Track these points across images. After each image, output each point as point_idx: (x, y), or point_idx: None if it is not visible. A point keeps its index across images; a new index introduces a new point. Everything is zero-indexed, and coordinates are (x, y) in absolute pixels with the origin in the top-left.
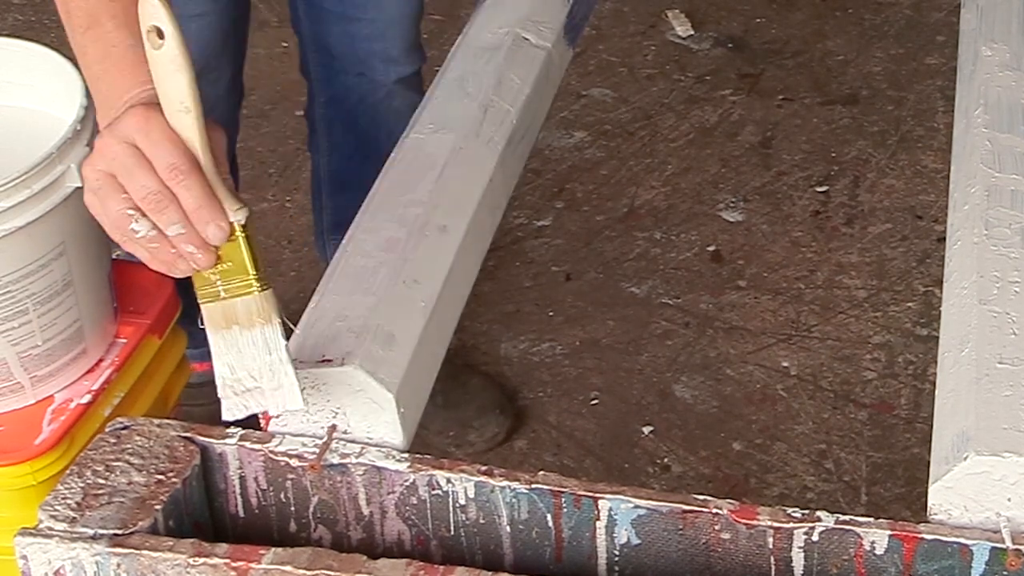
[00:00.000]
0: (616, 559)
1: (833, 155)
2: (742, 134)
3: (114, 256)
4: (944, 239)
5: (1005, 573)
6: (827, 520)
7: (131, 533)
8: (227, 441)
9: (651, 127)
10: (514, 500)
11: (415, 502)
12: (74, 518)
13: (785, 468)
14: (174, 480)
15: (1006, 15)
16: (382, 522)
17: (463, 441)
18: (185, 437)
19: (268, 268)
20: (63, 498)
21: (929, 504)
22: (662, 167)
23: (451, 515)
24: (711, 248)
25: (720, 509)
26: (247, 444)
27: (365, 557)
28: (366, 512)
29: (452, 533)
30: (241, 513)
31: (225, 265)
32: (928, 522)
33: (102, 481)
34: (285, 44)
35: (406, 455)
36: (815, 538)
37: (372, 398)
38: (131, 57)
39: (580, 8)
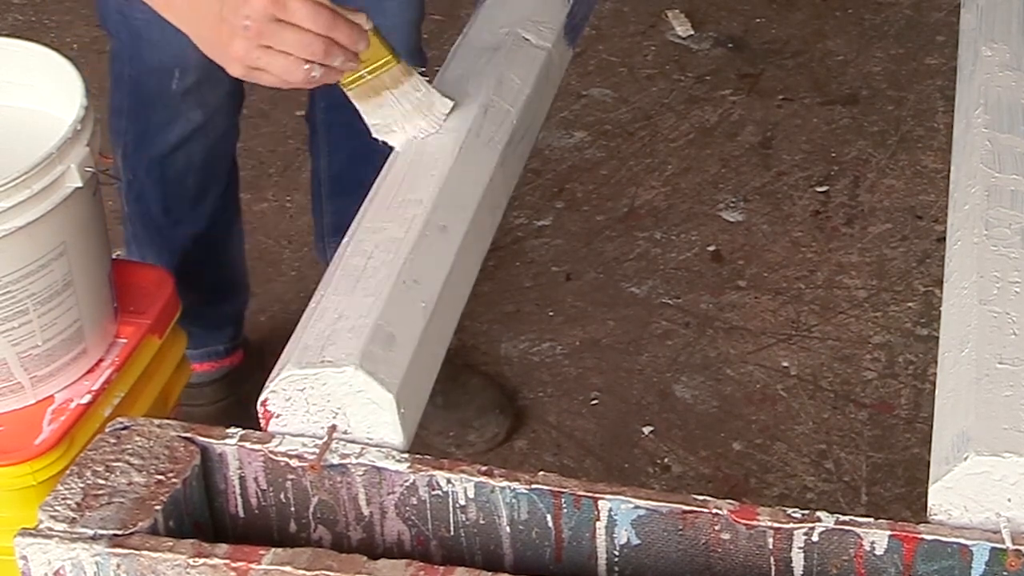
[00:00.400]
0: (616, 559)
1: (833, 155)
2: (742, 134)
3: (114, 256)
4: (944, 239)
5: (1005, 573)
6: (827, 520)
7: (131, 533)
8: (227, 441)
9: (651, 127)
10: (514, 500)
11: (415, 502)
12: (74, 518)
13: (785, 468)
14: (174, 480)
15: (1006, 15)
16: (382, 522)
17: (463, 441)
18: (185, 437)
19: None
20: (63, 498)
21: (929, 504)
22: (662, 167)
23: (451, 515)
24: (711, 248)
25: (720, 509)
26: (247, 444)
27: (365, 557)
28: (366, 512)
29: (452, 533)
30: (241, 513)
31: (365, 56)
32: (928, 522)
33: (102, 481)
34: None
35: (406, 455)
36: (815, 538)
37: (372, 398)
38: None
39: (580, 8)
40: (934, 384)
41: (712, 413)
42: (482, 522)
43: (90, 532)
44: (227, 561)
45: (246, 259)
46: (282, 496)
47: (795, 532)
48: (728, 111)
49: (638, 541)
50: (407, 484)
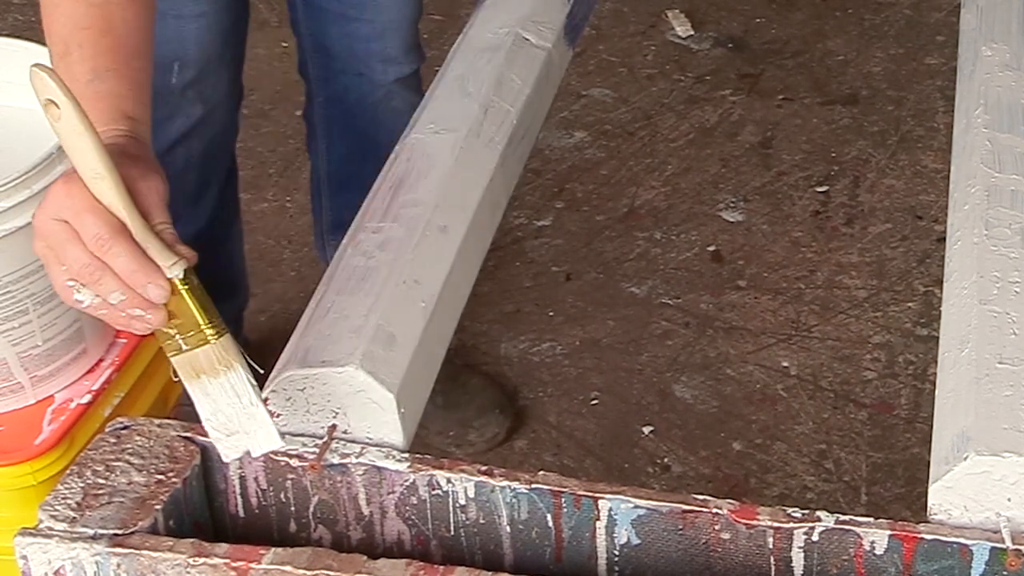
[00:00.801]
0: (616, 559)
1: (833, 155)
2: (742, 134)
3: None
4: (944, 239)
5: (1005, 573)
6: (827, 520)
7: (131, 533)
8: None
9: (651, 127)
10: (514, 500)
11: (415, 502)
12: (74, 518)
13: (785, 468)
14: (174, 480)
15: (1006, 15)
16: (382, 522)
17: (463, 441)
18: (185, 437)
19: (267, 268)
20: (63, 498)
21: (929, 504)
22: (662, 167)
23: (451, 515)
24: (711, 248)
25: (720, 509)
26: None
27: (365, 557)
28: (366, 512)
29: (452, 533)
30: (241, 513)
31: (177, 320)
32: (928, 522)
33: (102, 481)
34: (285, 44)
35: (406, 455)
36: (815, 538)
37: (372, 398)
38: (86, 94)
39: (580, 8)
40: (934, 384)
41: (712, 413)
42: (482, 522)
43: (90, 532)
44: (227, 561)
45: (246, 259)
46: (282, 496)
47: (795, 532)
48: (728, 111)
49: (638, 541)
50: (407, 484)
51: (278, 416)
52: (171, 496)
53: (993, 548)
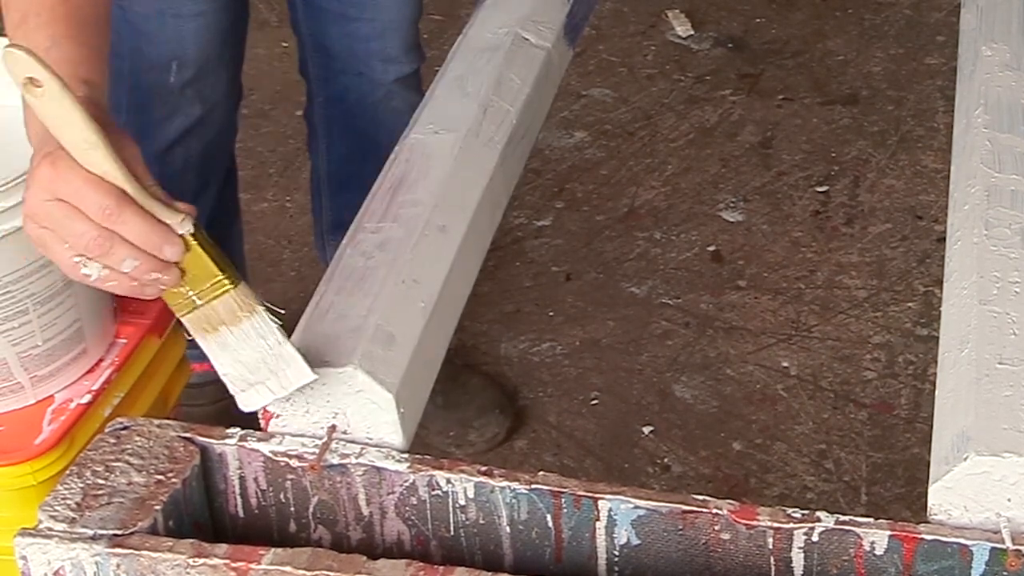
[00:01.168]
0: (616, 559)
1: (833, 155)
2: (742, 134)
3: None
4: (944, 239)
5: (1005, 573)
6: (827, 520)
7: (131, 533)
8: (227, 441)
9: (651, 127)
10: (514, 500)
11: (415, 502)
12: (74, 518)
13: (785, 468)
14: (174, 480)
15: (1006, 15)
16: (382, 522)
17: (463, 441)
18: (185, 437)
19: (267, 268)
20: (63, 498)
21: (929, 504)
22: (662, 167)
23: (451, 515)
24: (711, 248)
25: (720, 509)
26: (247, 444)
27: (365, 557)
28: (366, 512)
29: (452, 533)
30: (241, 513)
31: (190, 275)
32: (928, 522)
33: (102, 481)
34: (285, 44)
35: (406, 455)
36: (815, 538)
37: (372, 398)
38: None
39: (580, 8)
40: (934, 384)
41: (712, 413)
42: (482, 522)
43: (90, 532)
44: (227, 561)
45: (245, 259)
46: (282, 496)
47: (795, 532)
48: (728, 111)
49: (638, 541)
50: (407, 484)
51: (278, 417)
52: (171, 496)
53: (993, 548)
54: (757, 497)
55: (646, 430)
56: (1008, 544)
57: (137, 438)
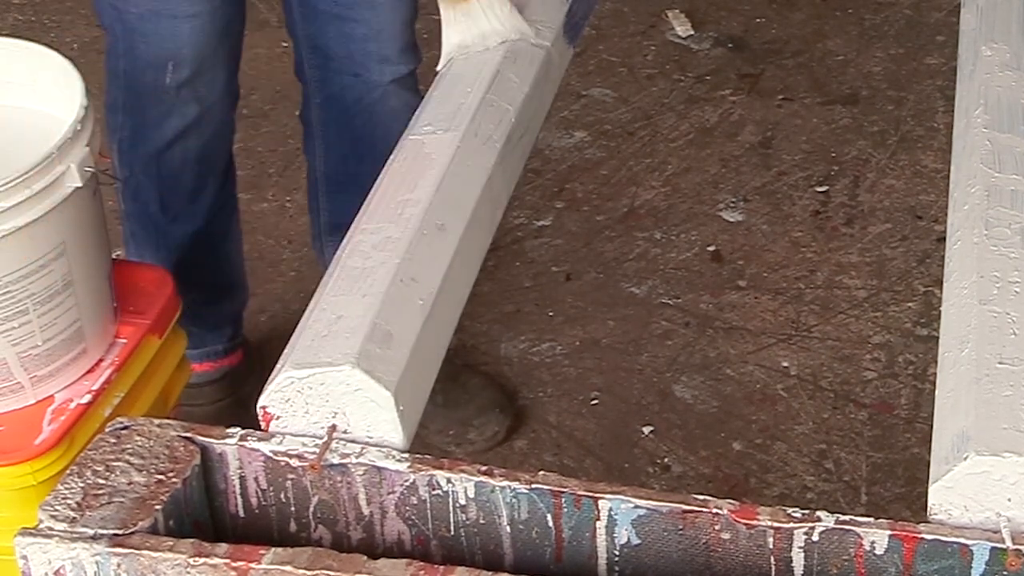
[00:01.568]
0: (616, 559)
1: (833, 155)
2: (742, 134)
3: (114, 256)
4: (944, 239)
5: (1005, 573)
6: (827, 520)
7: (131, 533)
8: (227, 441)
9: (651, 127)
10: (514, 500)
11: (415, 502)
12: (74, 518)
13: (785, 468)
14: (174, 480)
15: (1006, 15)
16: (382, 522)
17: (463, 440)
18: (185, 437)
19: (267, 268)
20: (63, 498)
21: (929, 504)
22: (662, 167)
23: (451, 515)
24: (711, 248)
25: (720, 509)
26: (247, 444)
27: (365, 557)
28: (366, 512)
29: (452, 533)
30: (241, 513)
31: None
32: (928, 522)
33: (102, 481)
34: (285, 44)
35: (406, 455)
36: (815, 538)
37: (370, 397)
38: None
39: (580, 7)
40: (934, 384)
41: (712, 413)
42: (482, 522)
43: (90, 532)
44: (227, 561)
45: (244, 259)
46: (282, 496)
47: (795, 532)
48: (728, 111)
49: (638, 541)
50: (407, 484)
51: (278, 418)
52: (171, 496)
53: (993, 548)
54: (757, 497)
55: (646, 430)
56: (1008, 544)
57: (137, 438)
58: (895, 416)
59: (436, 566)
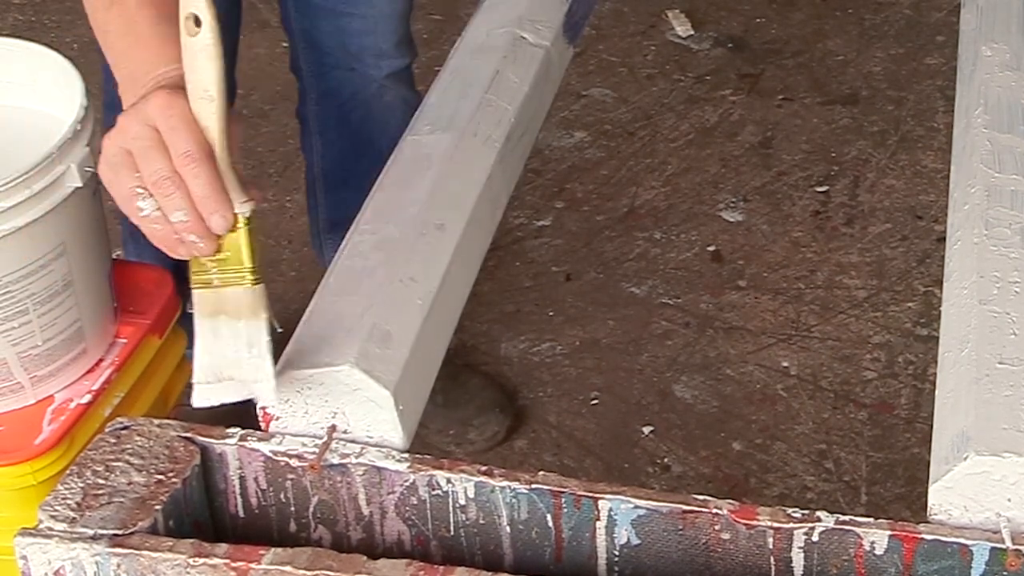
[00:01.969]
0: (616, 559)
1: (833, 155)
2: (742, 134)
3: (114, 256)
4: (944, 239)
5: (1005, 573)
6: (827, 520)
7: (131, 533)
8: (227, 441)
9: (651, 127)
10: (514, 500)
11: (415, 502)
12: (74, 518)
13: (785, 468)
14: (174, 480)
15: (1006, 15)
16: (382, 522)
17: (463, 440)
18: (185, 437)
19: (267, 268)
20: (63, 498)
21: (929, 504)
22: (662, 167)
23: (451, 515)
24: (711, 248)
25: (720, 509)
26: (247, 444)
27: (365, 557)
28: (366, 512)
29: (452, 533)
30: (241, 513)
31: (223, 254)
32: (928, 522)
33: (102, 481)
34: (285, 44)
35: (406, 455)
36: (815, 538)
37: (369, 396)
38: (156, 34)
39: (580, 6)
40: (934, 384)
41: (712, 413)
42: (482, 522)
43: (90, 532)
44: (227, 561)
45: None
46: (282, 496)
47: (795, 532)
48: (728, 111)
49: (638, 541)
50: (407, 484)
51: (278, 419)
52: (171, 496)
53: (993, 548)
54: (757, 497)
55: (646, 430)
56: (1008, 544)
57: (137, 438)
58: (895, 416)
59: (436, 566)
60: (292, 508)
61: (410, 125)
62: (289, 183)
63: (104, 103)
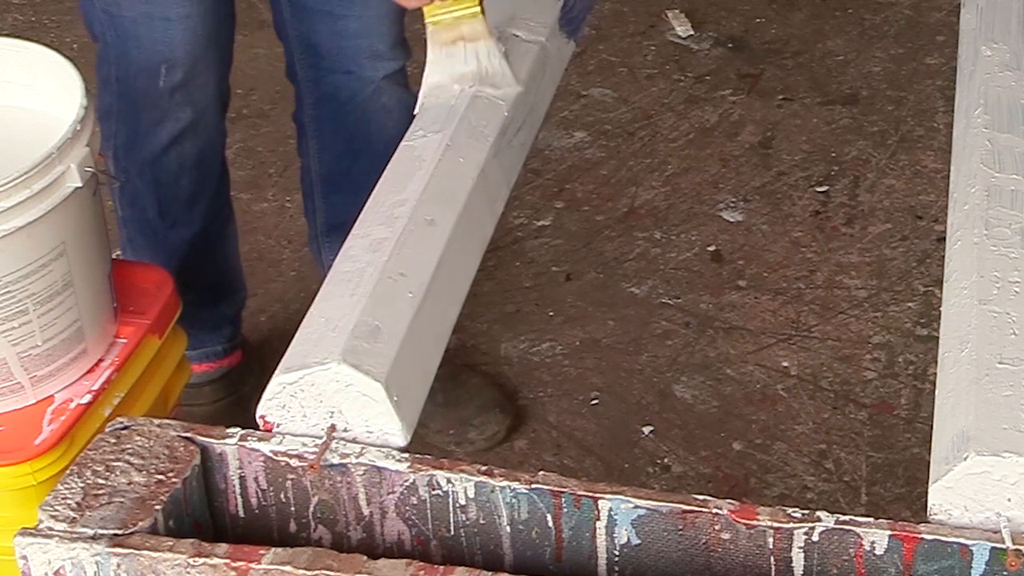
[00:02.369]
0: (616, 559)
1: (833, 155)
2: (742, 134)
3: (114, 256)
4: (944, 239)
5: (1005, 573)
6: (827, 520)
7: (131, 533)
8: (227, 441)
9: (651, 127)
10: (514, 500)
11: (415, 502)
12: (74, 518)
13: (785, 468)
14: (174, 480)
15: (1006, 15)
16: (382, 522)
17: (463, 439)
18: (185, 437)
19: (267, 268)
20: (63, 498)
21: (929, 504)
22: (662, 167)
23: (451, 515)
24: (711, 248)
25: (720, 509)
26: (247, 444)
27: (365, 557)
28: (366, 512)
29: (452, 533)
30: (241, 513)
31: None
32: (928, 522)
33: (102, 481)
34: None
35: (406, 455)
36: (815, 538)
37: (362, 391)
38: None
39: (576, 1)
40: (934, 384)
41: (712, 413)
42: (482, 522)
43: (90, 532)
44: (227, 561)
45: (241, 260)
46: (282, 496)
47: (795, 532)
48: (728, 111)
49: (638, 541)
50: (407, 484)
51: (278, 425)
52: (171, 496)
53: (993, 548)
54: (757, 497)
55: (646, 430)
56: (1008, 544)
57: (137, 438)
58: (895, 416)
59: (436, 566)
60: (292, 508)
61: (409, 133)
62: (289, 183)
63: (97, 110)
